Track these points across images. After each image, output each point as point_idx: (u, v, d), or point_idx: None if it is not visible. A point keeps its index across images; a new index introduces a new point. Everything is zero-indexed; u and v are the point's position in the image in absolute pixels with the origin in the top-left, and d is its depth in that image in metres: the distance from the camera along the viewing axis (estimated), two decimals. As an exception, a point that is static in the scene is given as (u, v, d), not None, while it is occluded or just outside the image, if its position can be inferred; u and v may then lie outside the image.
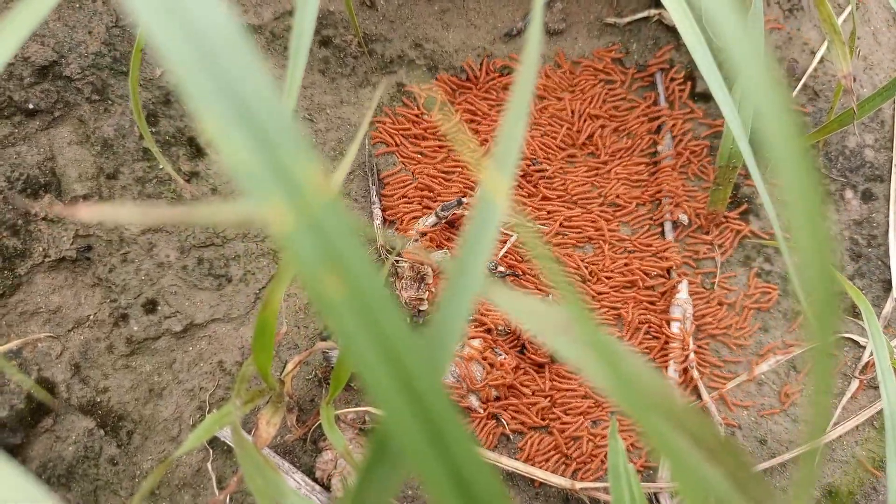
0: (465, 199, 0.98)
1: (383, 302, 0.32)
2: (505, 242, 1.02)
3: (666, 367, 1.01)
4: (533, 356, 0.98)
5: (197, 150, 1.01)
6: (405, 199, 1.03)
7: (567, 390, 0.98)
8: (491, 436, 0.96)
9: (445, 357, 0.40)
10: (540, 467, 0.94)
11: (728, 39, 0.36)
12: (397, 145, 1.06)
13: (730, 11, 0.36)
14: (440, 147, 1.06)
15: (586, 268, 1.04)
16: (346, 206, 1.05)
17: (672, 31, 1.12)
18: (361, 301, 0.31)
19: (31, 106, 0.98)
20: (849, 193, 1.11)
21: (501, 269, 1.00)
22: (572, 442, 0.97)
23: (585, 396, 0.99)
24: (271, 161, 0.30)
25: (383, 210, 1.03)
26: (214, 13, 0.30)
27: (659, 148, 1.10)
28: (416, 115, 1.07)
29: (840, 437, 1.02)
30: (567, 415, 0.97)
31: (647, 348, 1.03)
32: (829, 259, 0.34)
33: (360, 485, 0.36)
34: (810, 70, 1.12)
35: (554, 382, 0.98)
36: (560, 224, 1.05)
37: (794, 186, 0.32)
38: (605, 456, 0.96)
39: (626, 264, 1.04)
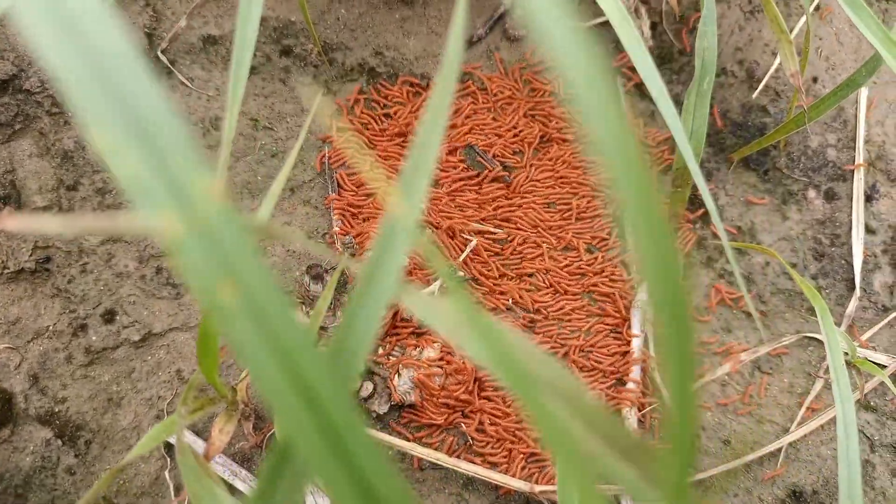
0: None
1: (279, 307, 0.32)
2: (466, 246, 1.03)
3: (629, 370, 1.01)
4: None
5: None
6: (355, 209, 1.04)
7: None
8: (452, 446, 0.96)
9: (353, 366, 0.40)
10: (501, 471, 0.94)
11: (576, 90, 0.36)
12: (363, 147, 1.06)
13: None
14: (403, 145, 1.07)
15: (546, 276, 1.04)
16: (304, 214, 1.05)
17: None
18: (256, 307, 0.31)
19: (-10, 119, 0.99)
20: (811, 193, 1.11)
21: (460, 273, 1.00)
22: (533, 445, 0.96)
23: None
24: (161, 172, 0.30)
25: (343, 217, 1.03)
26: (109, 31, 0.30)
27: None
28: (381, 116, 1.08)
29: (805, 436, 1.02)
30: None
31: (608, 351, 1.02)
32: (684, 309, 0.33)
33: (260, 494, 0.36)
34: (771, 71, 1.12)
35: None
36: (526, 229, 1.05)
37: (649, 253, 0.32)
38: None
39: (581, 272, 1.05)
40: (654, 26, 1.14)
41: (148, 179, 0.30)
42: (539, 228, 1.05)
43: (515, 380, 0.36)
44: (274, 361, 0.32)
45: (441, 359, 0.95)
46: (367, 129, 1.08)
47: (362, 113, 1.08)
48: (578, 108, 0.32)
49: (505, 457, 0.95)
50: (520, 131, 1.09)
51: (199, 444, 0.90)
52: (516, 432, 0.96)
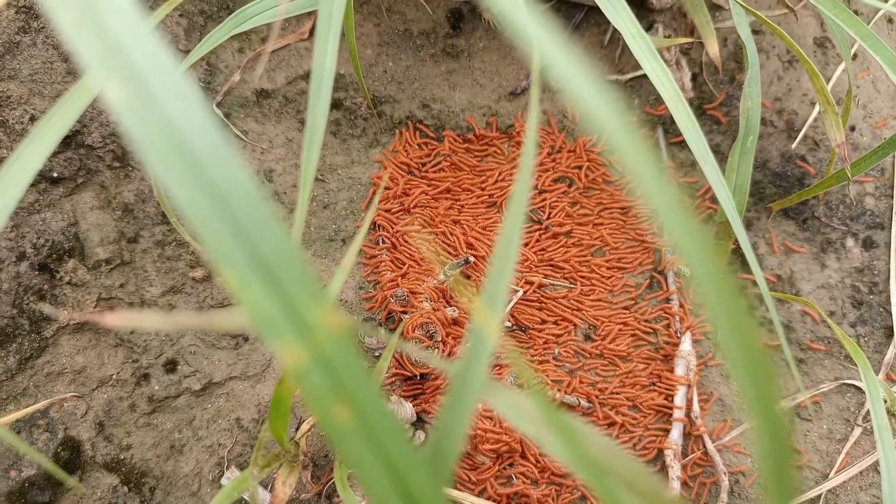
0: (471, 258, 1.01)
1: (387, 426, 0.35)
2: (513, 296, 1.05)
3: (671, 419, 1.04)
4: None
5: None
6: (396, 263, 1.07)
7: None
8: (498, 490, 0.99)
9: (447, 470, 0.43)
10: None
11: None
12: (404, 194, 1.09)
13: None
14: (446, 192, 1.10)
15: (589, 326, 1.07)
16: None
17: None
18: (367, 427, 0.35)
19: (55, 174, 1.03)
20: (850, 241, 1.13)
21: (508, 323, 1.03)
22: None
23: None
24: (286, 306, 0.33)
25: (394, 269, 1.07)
26: (234, 174, 0.34)
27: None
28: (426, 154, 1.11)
29: (844, 482, 1.04)
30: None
31: (653, 405, 1.05)
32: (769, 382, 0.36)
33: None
34: (810, 121, 1.14)
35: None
36: (573, 277, 1.08)
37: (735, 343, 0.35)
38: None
39: (624, 323, 1.07)
40: (694, 77, 1.16)
41: (272, 312, 0.33)
42: (587, 278, 1.08)
43: (594, 477, 0.40)
44: (382, 473, 0.35)
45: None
46: (411, 186, 1.11)
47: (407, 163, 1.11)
48: (630, 174, 0.35)
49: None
50: (563, 182, 1.12)
51: (264, 496, 0.94)
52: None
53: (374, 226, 1.09)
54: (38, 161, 0.67)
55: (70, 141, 1.04)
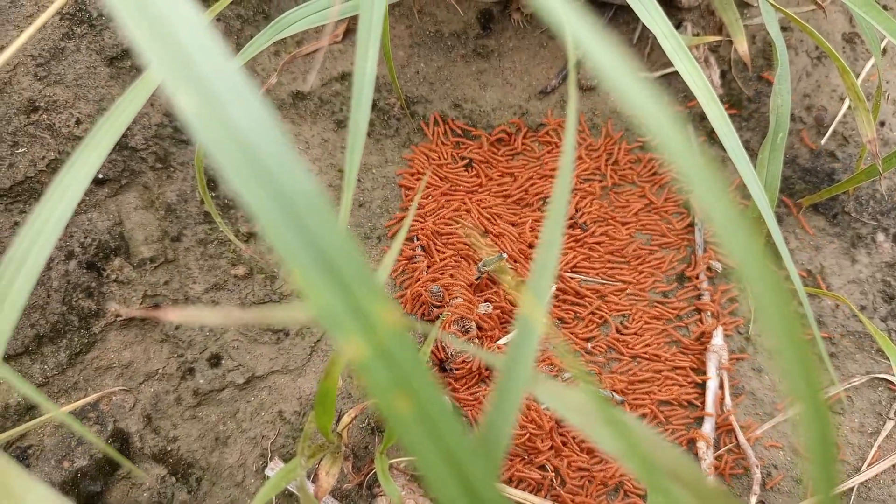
0: (504, 255, 1.03)
1: (445, 416, 0.37)
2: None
3: (702, 413, 1.05)
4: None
5: (253, 212, 1.08)
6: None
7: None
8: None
9: (498, 455, 0.46)
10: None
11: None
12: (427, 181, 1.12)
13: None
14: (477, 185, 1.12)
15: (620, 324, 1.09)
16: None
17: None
18: (427, 416, 0.37)
19: (100, 175, 1.06)
20: (880, 236, 1.14)
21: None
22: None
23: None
24: (349, 302, 0.36)
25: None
26: (299, 178, 0.36)
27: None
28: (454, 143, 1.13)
29: (876, 476, 1.05)
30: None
31: (683, 399, 1.07)
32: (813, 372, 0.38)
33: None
34: (839, 116, 1.15)
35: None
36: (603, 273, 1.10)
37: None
38: None
39: (655, 317, 1.09)
40: (723, 74, 1.17)
41: (337, 308, 0.35)
42: (618, 273, 1.10)
43: (644, 469, 0.42)
44: (440, 459, 0.38)
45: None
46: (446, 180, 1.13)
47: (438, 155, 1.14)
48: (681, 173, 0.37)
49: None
50: (594, 178, 1.13)
51: (308, 486, 0.97)
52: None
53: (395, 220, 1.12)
54: (92, 168, 0.70)
55: (114, 143, 1.07)
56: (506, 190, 1.13)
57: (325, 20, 0.89)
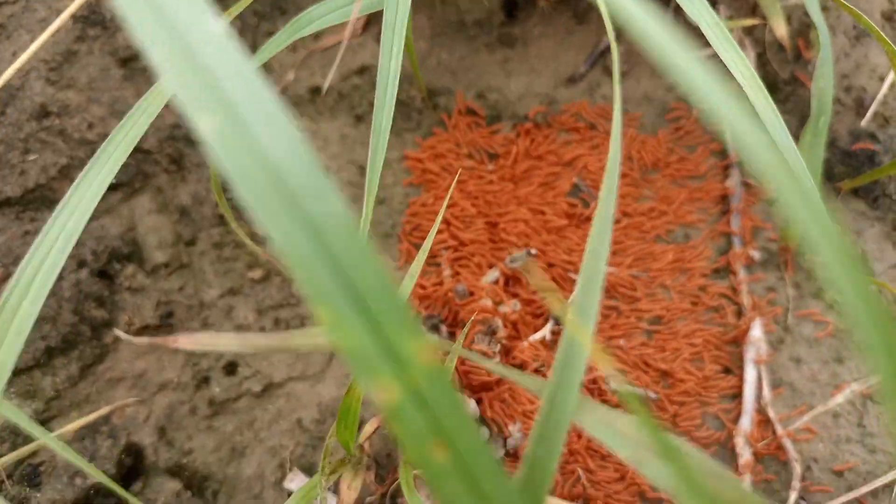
0: (533, 251, 0.97)
1: (485, 465, 0.32)
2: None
3: (740, 408, 0.98)
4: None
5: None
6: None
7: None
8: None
9: (542, 490, 0.40)
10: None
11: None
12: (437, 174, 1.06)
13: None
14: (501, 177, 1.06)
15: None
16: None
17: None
18: (465, 466, 0.31)
19: (113, 180, 1.02)
20: (932, 222, 1.06)
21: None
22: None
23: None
24: (380, 340, 0.30)
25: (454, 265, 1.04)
26: (330, 207, 0.30)
27: (727, 183, 1.08)
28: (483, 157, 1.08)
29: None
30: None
31: (721, 393, 0.99)
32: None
33: None
34: (880, 97, 1.08)
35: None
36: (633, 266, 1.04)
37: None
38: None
39: (691, 310, 1.02)
40: (758, 56, 1.11)
41: (368, 348, 0.30)
42: (652, 265, 1.03)
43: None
44: None
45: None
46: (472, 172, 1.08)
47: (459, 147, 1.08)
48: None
49: None
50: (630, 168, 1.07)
51: (330, 500, 0.91)
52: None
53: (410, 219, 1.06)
54: (106, 178, 0.67)
55: (126, 154, 1.03)
56: (529, 182, 1.07)
57: (346, 18, 0.85)
